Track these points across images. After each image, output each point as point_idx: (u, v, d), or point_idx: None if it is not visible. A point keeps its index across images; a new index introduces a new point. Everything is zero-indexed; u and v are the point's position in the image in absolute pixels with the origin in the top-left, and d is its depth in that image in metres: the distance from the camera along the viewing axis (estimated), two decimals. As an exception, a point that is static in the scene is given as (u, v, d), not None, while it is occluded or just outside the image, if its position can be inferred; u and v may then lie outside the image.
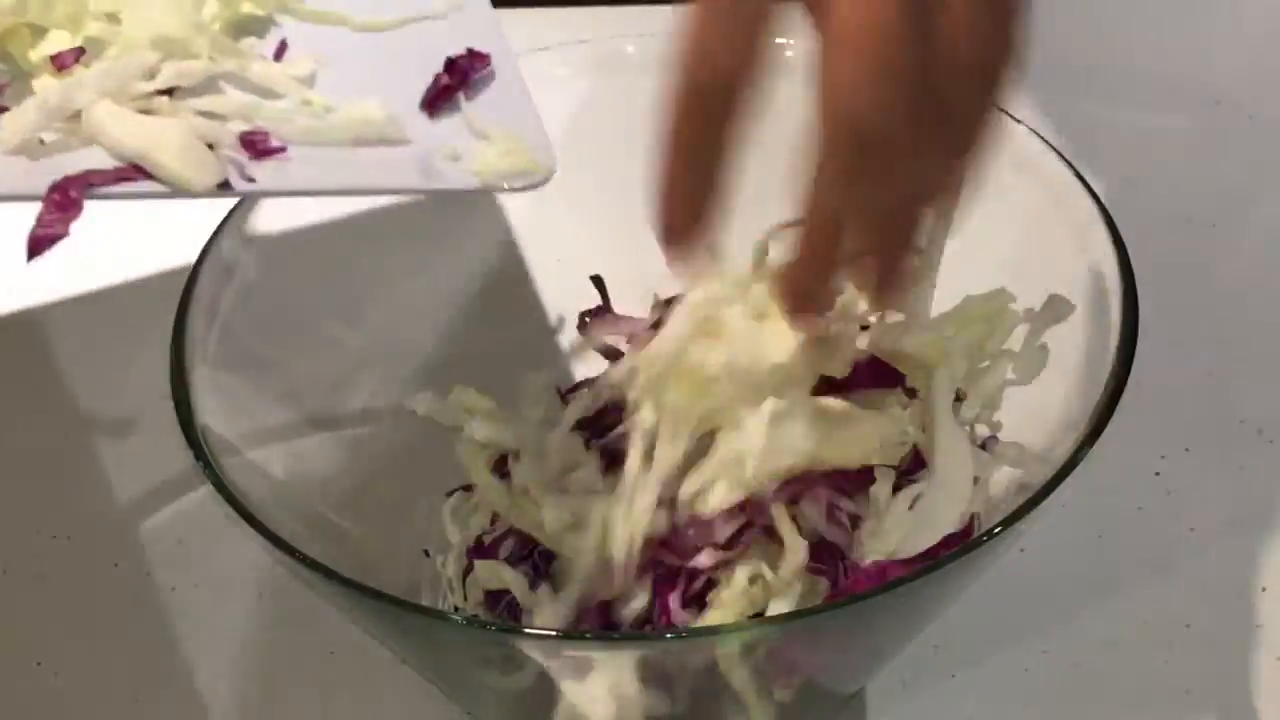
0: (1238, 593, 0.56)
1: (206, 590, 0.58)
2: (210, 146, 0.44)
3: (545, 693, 0.44)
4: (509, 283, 0.58)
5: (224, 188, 0.43)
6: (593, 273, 0.57)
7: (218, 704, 0.55)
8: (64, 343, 0.69)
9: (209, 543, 0.59)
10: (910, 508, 0.47)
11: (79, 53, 0.46)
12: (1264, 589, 0.56)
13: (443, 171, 0.45)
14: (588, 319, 0.57)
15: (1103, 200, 0.48)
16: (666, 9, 0.53)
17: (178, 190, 0.42)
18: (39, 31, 0.46)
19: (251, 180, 0.43)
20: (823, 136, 0.38)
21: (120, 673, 0.56)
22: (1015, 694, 0.53)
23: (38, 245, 0.41)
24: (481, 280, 0.56)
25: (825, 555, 0.46)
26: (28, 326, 0.70)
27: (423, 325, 0.56)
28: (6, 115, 0.44)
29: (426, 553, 0.50)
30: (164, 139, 0.43)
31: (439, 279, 0.56)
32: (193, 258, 0.49)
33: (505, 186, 0.45)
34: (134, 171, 0.42)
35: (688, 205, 0.41)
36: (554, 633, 0.45)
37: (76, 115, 0.44)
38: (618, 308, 0.57)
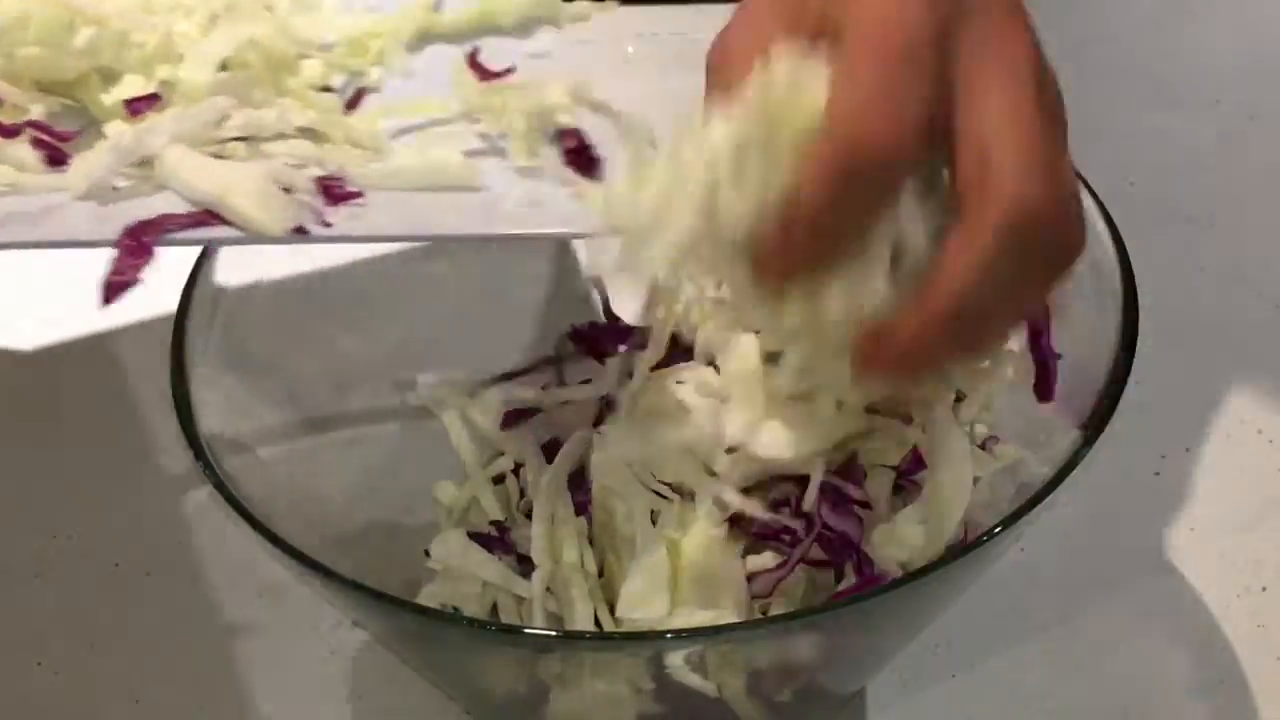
0: (1238, 593, 0.56)
1: (207, 591, 0.58)
2: (286, 191, 0.43)
3: (544, 692, 0.44)
4: (509, 283, 0.57)
5: (299, 232, 0.42)
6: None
7: (218, 704, 0.55)
8: (63, 341, 0.69)
9: (209, 543, 0.59)
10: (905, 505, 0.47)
11: (153, 99, 0.45)
12: (1264, 589, 0.56)
13: (520, 216, 0.44)
14: (578, 331, 0.57)
15: (1103, 200, 0.48)
16: (666, 9, 0.53)
17: (252, 234, 0.41)
18: (111, 77, 0.46)
19: (328, 225, 0.42)
20: (986, 227, 0.37)
21: (120, 673, 0.56)
22: (1015, 694, 0.53)
23: (111, 292, 0.40)
24: (481, 281, 0.56)
25: (834, 547, 0.46)
26: (26, 326, 0.70)
27: (422, 326, 0.56)
28: (77, 159, 0.43)
29: (426, 553, 0.50)
30: (238, 183, 0.42)
31: (438, 279, 0.56)
32: (193, 258, 0.49)
33: (578, 231, 0.44)
34: (208, 216, 0.41)
35: (801, 268, 0.39)
36: (554, 633, 0.45)
37: (151, 162, 0.43)
38: (617, 309, 0.57)
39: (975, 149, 0.37)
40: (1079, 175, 0.49)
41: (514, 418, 0.55)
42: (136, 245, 0.41)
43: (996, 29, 0.39)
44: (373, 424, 0.54)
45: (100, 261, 0.41)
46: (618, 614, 0.45)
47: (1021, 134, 0.37)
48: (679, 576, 0.45)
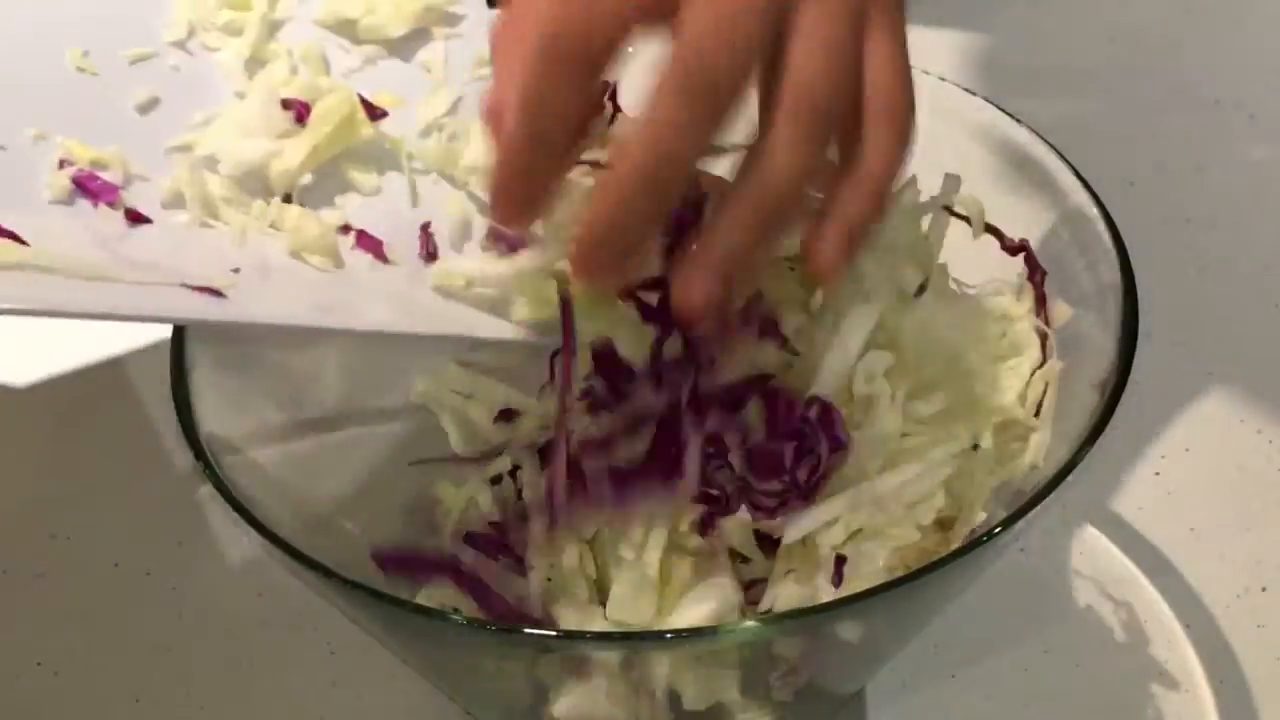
0: (1238, 593, 0.56)
1: (206, 590, 0.58)
2: None
3: (543, 692, 0.44)
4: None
5: None
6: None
7: (218, 704, 0.55)
8: (63, 342, 0.69)
9: (209, 543, 0.59)
10: None
11: None
12: (1264, 589, 0.56)
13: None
14: None
15: (1103, 200, 0.48)
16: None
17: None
18: None
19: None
20: (782, 111, 0.40)
21: (120, 673, 0.56)
22: (1015, 694, 0.53)
23: None
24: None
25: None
26: (25, 326, 0.70)
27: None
28: None
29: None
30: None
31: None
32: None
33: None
34: None
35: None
36: (554, 633, 0.45)
37: None
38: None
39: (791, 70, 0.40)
40: (1080, 177, 0.49)
41: (509, 416, 0.55)
42: None
43: None
44: (373, 424, 0.54)
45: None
46: (606, 615, 0.45)
47: (815, 41, 0.41)
48: (669, 579, 0.45)
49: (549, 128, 0.41)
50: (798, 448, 0.45)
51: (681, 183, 0.41)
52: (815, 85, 0.40)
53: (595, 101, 0.44)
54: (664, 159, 0.40)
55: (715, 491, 0.45)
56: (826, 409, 0.44)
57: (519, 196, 0.42)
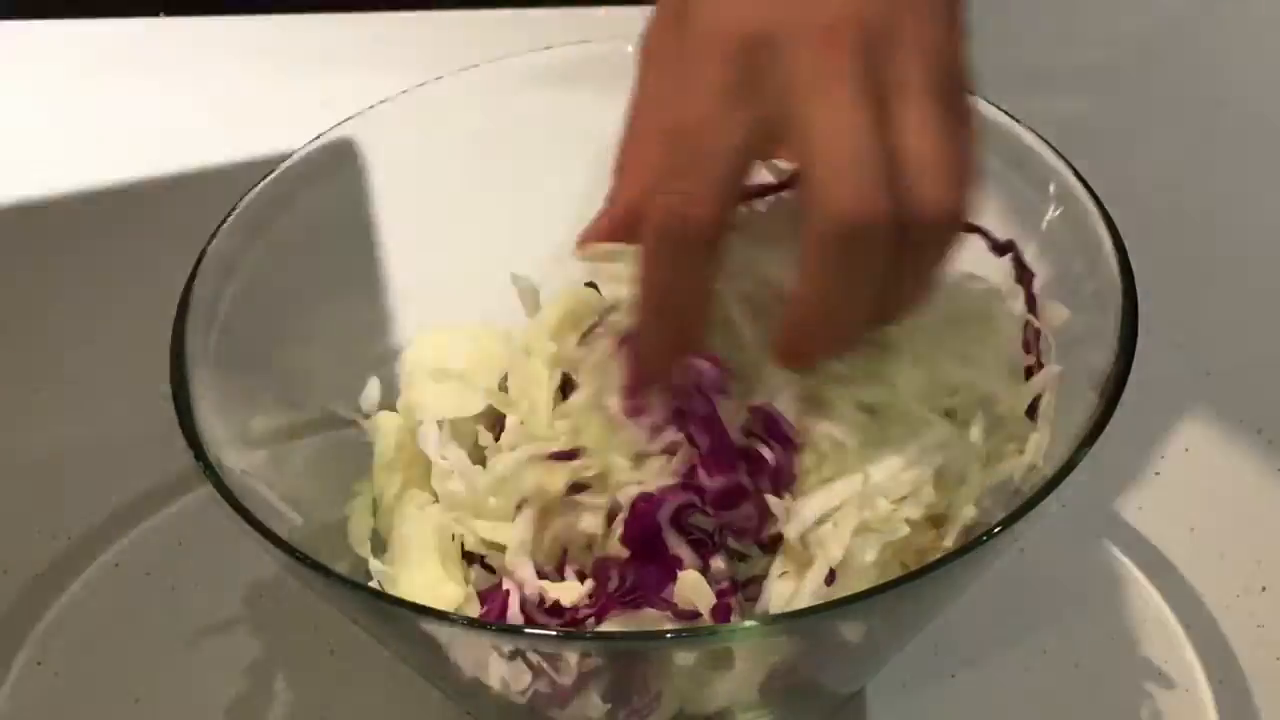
0: (1237, 593, 0.56)
1: (206, 590, 0.58)
2: None
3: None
4: (506, 287, 0.57)
5: None
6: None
7: (218, 704, 0.55)
8: (64, 342, 0.69)
9: (209, 543, 0.59)
10: None
11: None
12: (1264, 589, 0.56)
13: None
14: None
15: (1103, 200, 0.48)
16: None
17: None
18: None
19: None
20: (813, 238, 0.40)
21: (120, 673, 0.56)
22: (1015, 694, 0.53)
23: None
24: (479, 285, 0.56)
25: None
26: (28, 326, 0.70)
27: (421, 326, 0.56)
28: None
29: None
30: None
31: (436, 281, 0.56)
32: (192, 259, 0.49)
33: None
34: None
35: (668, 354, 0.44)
36: (554, 633, 0.45)
37: None
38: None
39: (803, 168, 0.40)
40: (1080, 177, 0.49)
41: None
42: None
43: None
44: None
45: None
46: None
47: (834, 144, 0.40)
48: None
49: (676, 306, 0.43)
50: (750, 467, 0.45)
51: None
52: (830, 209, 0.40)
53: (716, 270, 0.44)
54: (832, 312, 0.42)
55: (698, 535, 0.45)
56: (772, 419, 0.45)
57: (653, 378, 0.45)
